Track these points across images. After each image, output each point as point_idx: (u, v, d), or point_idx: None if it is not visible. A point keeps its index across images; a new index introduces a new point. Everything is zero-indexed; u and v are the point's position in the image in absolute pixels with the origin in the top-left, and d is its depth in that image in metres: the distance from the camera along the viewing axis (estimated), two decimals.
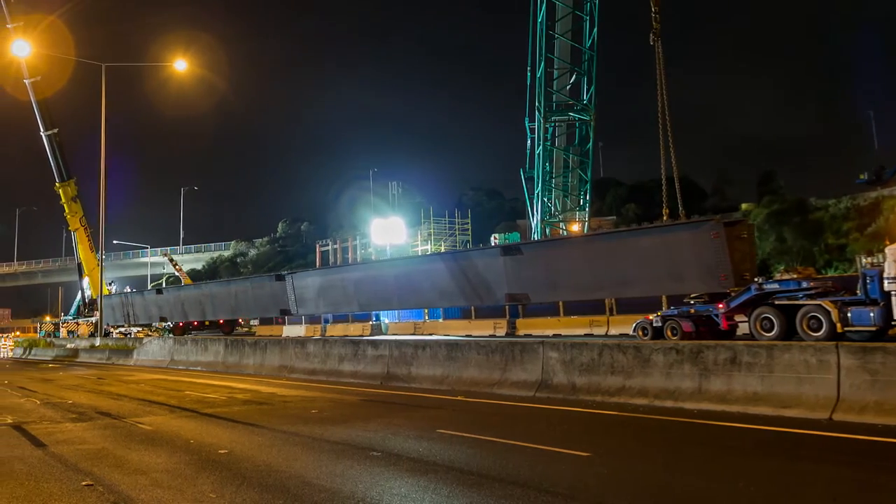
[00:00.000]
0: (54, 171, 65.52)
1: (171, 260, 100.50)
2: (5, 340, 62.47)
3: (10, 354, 58.28)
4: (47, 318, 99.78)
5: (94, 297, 63.24)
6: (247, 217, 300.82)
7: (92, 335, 59.86)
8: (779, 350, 14.13)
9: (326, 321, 63.98)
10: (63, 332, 72.01)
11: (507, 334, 44.86)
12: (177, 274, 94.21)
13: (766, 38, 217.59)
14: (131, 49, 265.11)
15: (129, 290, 74.78)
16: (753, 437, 11.96)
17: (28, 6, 61.91)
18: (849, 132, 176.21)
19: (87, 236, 67.22)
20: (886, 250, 20.96)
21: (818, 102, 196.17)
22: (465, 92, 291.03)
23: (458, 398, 18.46)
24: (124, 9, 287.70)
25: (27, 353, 59.11)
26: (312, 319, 63.90)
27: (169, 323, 59.27)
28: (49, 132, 63.77)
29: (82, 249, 67.92)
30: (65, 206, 66.55)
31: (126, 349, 45.29)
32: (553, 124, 55.49)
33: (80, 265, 70.17)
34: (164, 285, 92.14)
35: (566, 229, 56.65)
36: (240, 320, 66.40)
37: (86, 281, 69.31)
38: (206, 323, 59.71)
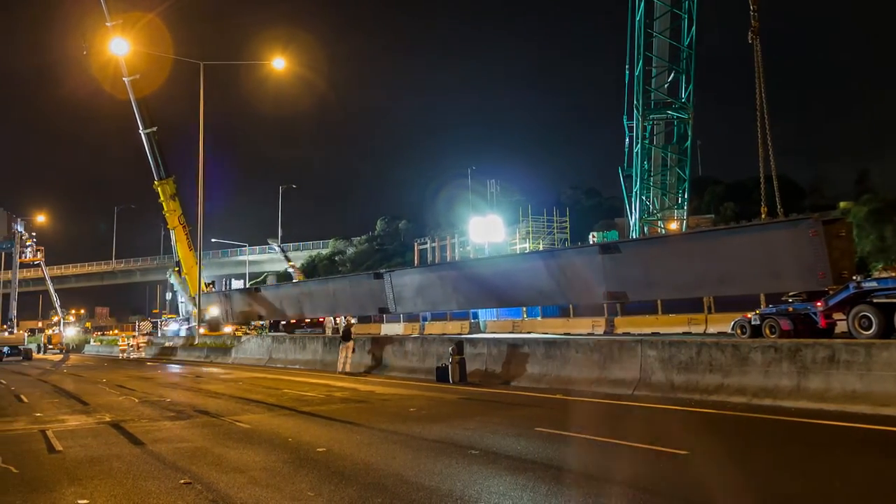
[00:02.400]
0: (153, 169, 65.43)
1: (286, 255, 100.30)
2: (137, 341, 62.36)
3: (143, 355, 58.70)
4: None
5: (193, 295, 63.95)
6: (345, 215, 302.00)
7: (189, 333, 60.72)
8: (877, 348, 14.03)
9: (425, 319, 64.18)
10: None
11: (606, 332, 44.54)
12: (289, 270, 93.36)
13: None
14: (230, 47, 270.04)
15: (215, 289, 74.78)
16: (852, 436, 11.85)
17: (127, 4, 62.61)
18: None
19: (186, 234, 66.86)
20: None
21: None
22: (564, 89, 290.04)
23: (557, 396, 18.48)
24: (223, 7, 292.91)
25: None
26: (410, 317, 64.12)
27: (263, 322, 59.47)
28: (148, 130, 63.79)
29: (181, 247, 67.74)
30: (163, 204, 66.35)
31: (224, 347, 46.18)
32: (651, 122, 54.85)
33: (178, 263, 70.59)
34: (267, 282, 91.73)
35: (664, 227, 56.10)
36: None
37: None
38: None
